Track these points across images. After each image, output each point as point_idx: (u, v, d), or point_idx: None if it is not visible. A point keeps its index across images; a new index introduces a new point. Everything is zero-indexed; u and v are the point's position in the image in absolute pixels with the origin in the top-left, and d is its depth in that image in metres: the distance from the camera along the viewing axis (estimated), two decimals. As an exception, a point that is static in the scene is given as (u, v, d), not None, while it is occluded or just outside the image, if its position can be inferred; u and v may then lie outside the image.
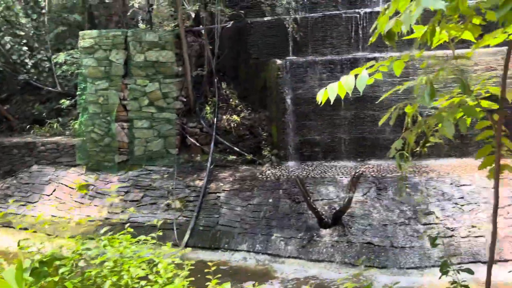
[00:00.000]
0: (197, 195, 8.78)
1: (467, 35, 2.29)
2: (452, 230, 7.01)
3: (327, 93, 2.19)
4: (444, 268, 2.25)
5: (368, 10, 9.52)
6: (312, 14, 9.91)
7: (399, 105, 2.46)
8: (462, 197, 7.45)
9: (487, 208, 7.22)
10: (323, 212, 7.64)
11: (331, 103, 2.18)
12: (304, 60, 9.42)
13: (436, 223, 7.15)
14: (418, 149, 2.63)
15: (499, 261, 6.53)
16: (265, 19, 10.05)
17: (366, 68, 2.38)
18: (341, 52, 9.65)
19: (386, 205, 7.61)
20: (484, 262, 6.58)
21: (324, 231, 7.49)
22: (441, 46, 2.54)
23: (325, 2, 10.08)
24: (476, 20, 2.26)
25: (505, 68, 2.15)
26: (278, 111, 9.57)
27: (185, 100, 10.24)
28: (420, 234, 7.01)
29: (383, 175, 8.34)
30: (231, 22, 10.37)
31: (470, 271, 2.31)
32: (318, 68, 9.13)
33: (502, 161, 2.50)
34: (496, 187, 2.32)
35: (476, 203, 7.32)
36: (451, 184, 7.70)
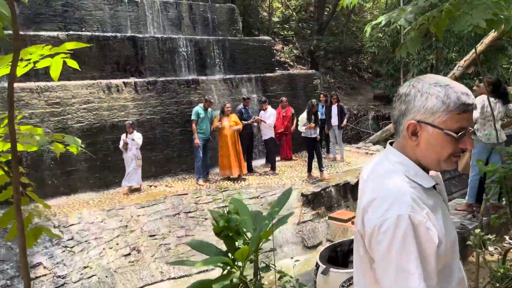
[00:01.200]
0: None
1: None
2: (64, 278, 6.39)
3: None
4: None
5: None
6: None
7: None
8: (71, 238, 6.96)
9: (98, 244, 7.04)
10: None
11: None
12: None
13: (44, 275, 6.33)
14: None
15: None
16: None
17: None
18: None
19: (-20, 270, 6.14)
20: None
21: None
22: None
23: None
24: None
25: (10, 101, 1.67)
26: None
27: None
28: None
29: (-25, 232, 6.76)
30: None
31: None
32: None
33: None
34: (21, 250, 1.81)
35: (86, 241, 7.00)
36: (58, 226, 7.07)
